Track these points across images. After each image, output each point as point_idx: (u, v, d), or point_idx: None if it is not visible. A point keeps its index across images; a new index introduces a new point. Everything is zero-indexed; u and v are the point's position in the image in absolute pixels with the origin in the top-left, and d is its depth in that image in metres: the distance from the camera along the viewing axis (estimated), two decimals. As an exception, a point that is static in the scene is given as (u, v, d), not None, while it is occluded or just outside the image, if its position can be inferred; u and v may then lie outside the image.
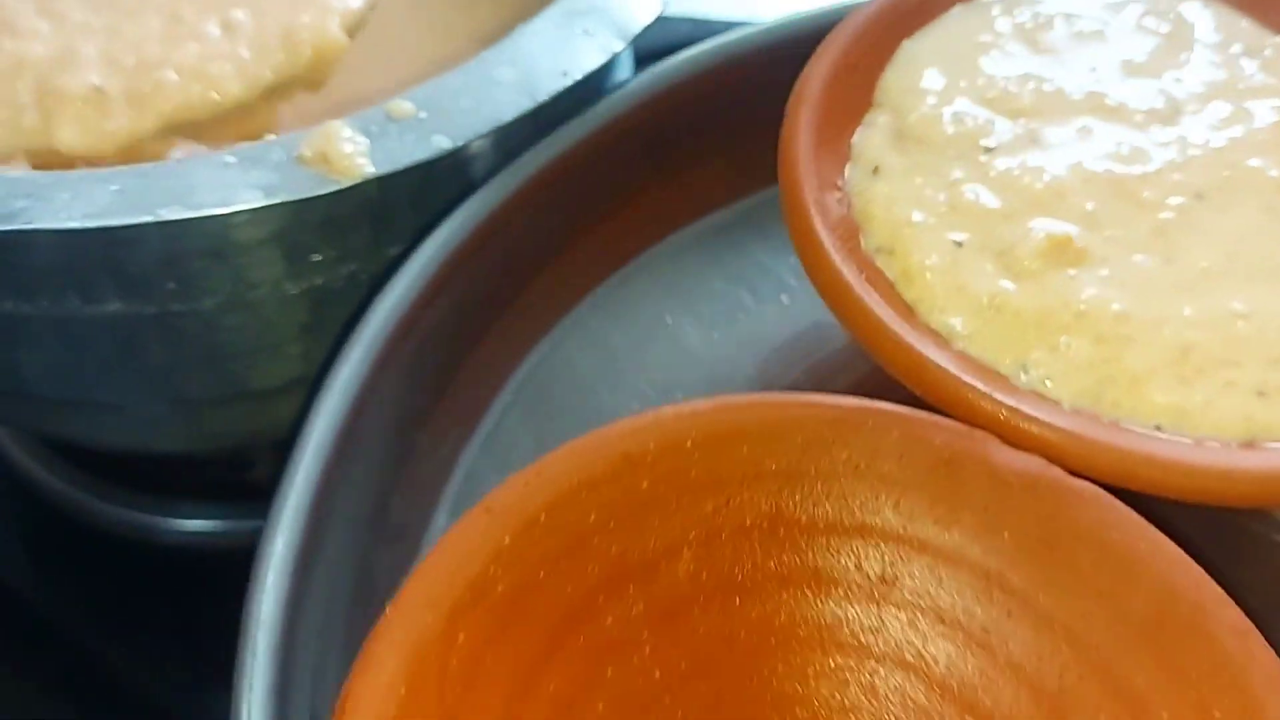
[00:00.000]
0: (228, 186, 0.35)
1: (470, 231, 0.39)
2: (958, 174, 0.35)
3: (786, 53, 0.40)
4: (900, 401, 0.31)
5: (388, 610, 0.26)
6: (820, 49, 0.39)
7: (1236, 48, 0.41)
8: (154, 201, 0.34)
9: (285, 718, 0.29)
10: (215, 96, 0.41)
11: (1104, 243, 0.34)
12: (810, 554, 0.30)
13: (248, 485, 0.52)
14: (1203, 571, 0.27)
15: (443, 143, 0.36)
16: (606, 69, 0.43)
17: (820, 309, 0.34)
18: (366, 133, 0.36)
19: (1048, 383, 0.32)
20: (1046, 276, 0.33)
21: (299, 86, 0.44)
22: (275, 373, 0.42)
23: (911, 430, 0.30)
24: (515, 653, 0.27)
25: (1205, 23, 0.42)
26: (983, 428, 0.30)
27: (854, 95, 0.38)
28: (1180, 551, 0.27)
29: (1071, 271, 0.33)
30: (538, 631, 0.27)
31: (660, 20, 0.43)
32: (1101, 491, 0.29)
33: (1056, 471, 0.29)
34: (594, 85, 0.44)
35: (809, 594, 0.30)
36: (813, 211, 0.34)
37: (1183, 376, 0.31)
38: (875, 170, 0.36)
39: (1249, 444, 0.30)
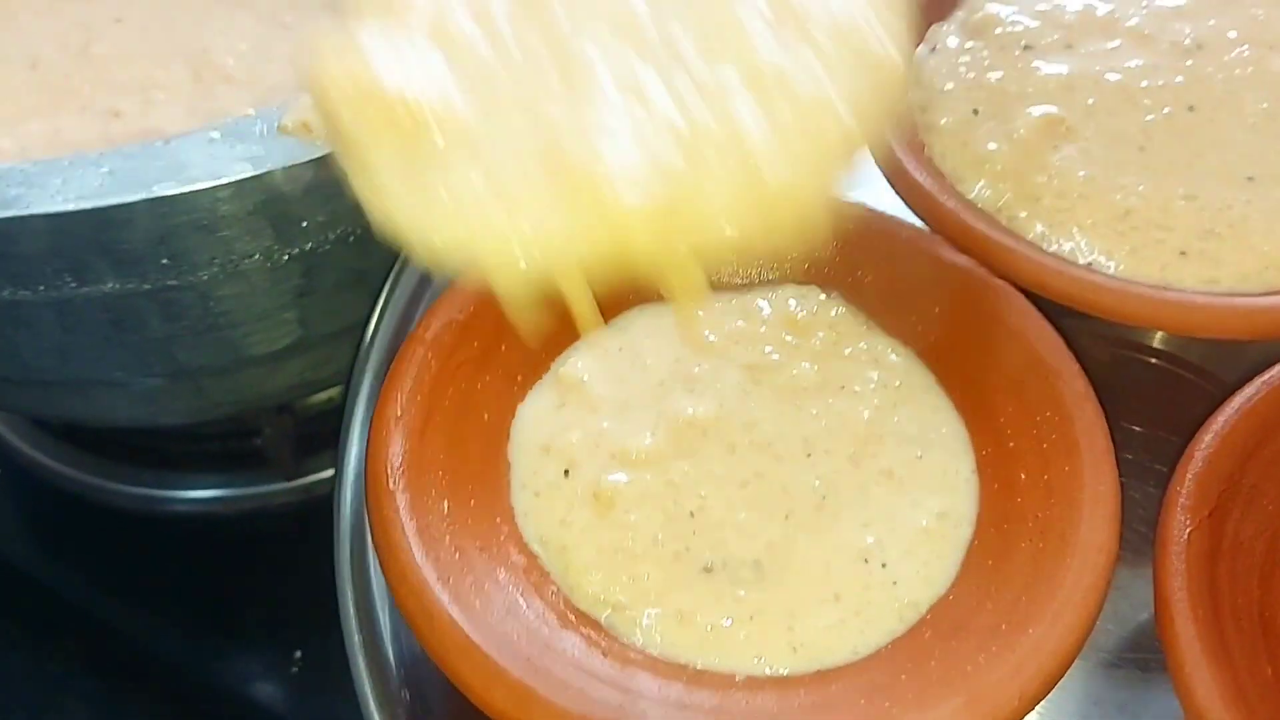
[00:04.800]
0: (216, 161, 0.36)
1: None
2: (993, 61, 0.44)
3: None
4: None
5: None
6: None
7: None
8: (146, 181, 0.35)
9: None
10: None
11: (1092, 128, 0.41)
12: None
13: (250, 454, 0.53)
14: (1069, 353, 0.35)
15: (423, 102, 0.37)
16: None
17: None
18: (347, 98, 0.37)
19: (1014, 220, 0.40)
20: (1034, 144, 0.41)
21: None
22: (273, 338, 0.43)
23: (885, 226, 0.38)
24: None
25: None
26: (942, 234, 0.38)
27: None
28: (1059, 339, 0.35)
29: (1056, 144, 0.41)
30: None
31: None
32: (1013, 289, 0.36)
33: (983, 270, 0.37)
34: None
35: None
36: None
37: (1120, 231, 0.39)
38: (934, 49, 0.45)
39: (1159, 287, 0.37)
